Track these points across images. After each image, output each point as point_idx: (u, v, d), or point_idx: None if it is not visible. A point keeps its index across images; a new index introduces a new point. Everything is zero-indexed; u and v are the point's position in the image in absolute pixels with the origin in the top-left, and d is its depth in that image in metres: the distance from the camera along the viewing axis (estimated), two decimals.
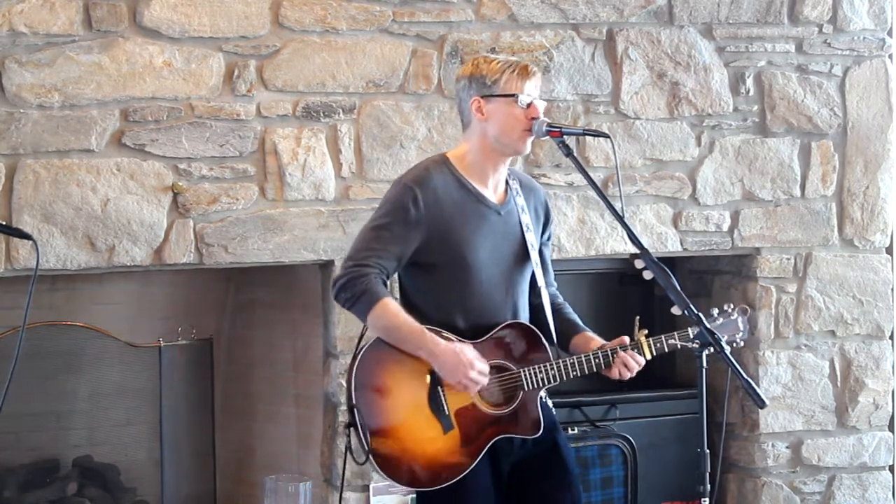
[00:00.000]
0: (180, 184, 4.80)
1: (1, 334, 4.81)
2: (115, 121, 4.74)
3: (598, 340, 3.85)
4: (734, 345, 3.84)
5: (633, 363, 3.77)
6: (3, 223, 4.47)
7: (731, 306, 3.91)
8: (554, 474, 3.84)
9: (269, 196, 4.91)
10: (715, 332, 3.53)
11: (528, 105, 3.72)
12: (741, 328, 3.88)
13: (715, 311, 3.86)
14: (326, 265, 5.03)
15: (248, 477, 5.39)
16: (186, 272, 5.08)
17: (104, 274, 4.92)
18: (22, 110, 4.62)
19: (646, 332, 3.81)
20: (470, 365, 3.65)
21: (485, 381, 3.68)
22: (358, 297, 3.68)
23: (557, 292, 4.02)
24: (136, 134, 4.75)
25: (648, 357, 3.80)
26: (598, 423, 5.44)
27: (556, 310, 3.95)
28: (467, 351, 3.67)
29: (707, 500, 3.49)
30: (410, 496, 5.03)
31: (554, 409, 3.92)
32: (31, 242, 4.26)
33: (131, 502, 5.20)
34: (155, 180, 4.78)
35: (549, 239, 3.99)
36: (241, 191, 4.88)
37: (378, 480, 4.98)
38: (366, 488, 5.03)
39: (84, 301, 5.15)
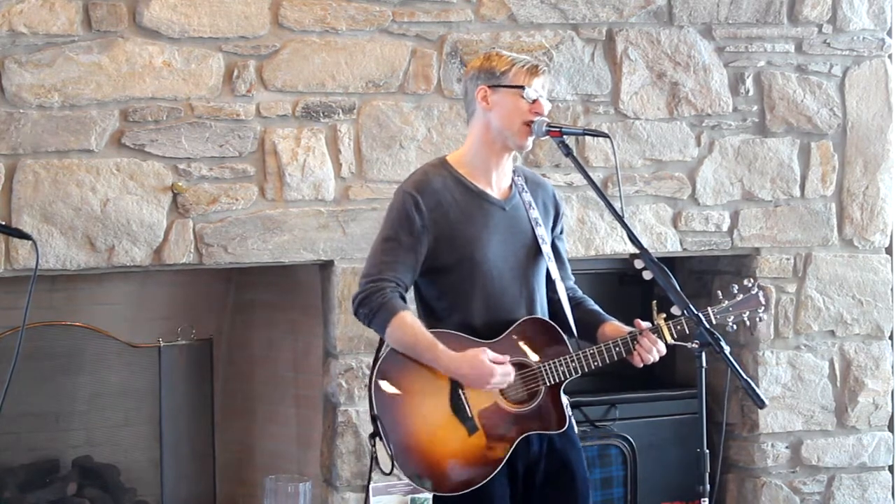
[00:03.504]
0: (180, 184, 4.79)
1: (1, 334, 4.81)
2: (115, 121, 4.73)
3: (624, 329, 3.80)
4: (759, 320, 3.82)
5: (654, 348, 3.72)
6: (3, 223, 4.47)
7: (752, 281, 3.87)
8: (562, 491, 3.82)
9: (269, 196, 4.91)
10: (715, 332, 3.51)
11: (534, 101, 3.72)
12: (762, 302, 3.83)
13: (735, 288, 3.82)
14: (326, 265, 5.03)
15: (248, 477, 5.39)
16: (186, 272, 5.08)
17: (104, 274, 4.91)
18: (21, 110, 4.62)
19: (664, 315, 3.75)
20: (490, 372, 3.62)
21: (510, 378, 3.66)
22: (375, 312, 3.67)
23: (576, 286, 3.99)
24: (136, 134, 4.75)
25: (669, 341, 3.74)
26: (597, 424, 5.43)
27: (577, 303, 3.92)
28: (482, 356, 3.64)
29: (707, 500, 3.49)
30: (410, 496, 5.03)
31: (573, 419, 3.87)
32: (30, 242, 4.26)
33: (131, 503, 5.20)
34: (155, 180, 4.78)
35: (562, 233, 3.95)
36: (241, 191, 4.88)
37: (377, 481, 4.97)
38: (366, 489, 5.02)
39: (84, 301, 5.14)
